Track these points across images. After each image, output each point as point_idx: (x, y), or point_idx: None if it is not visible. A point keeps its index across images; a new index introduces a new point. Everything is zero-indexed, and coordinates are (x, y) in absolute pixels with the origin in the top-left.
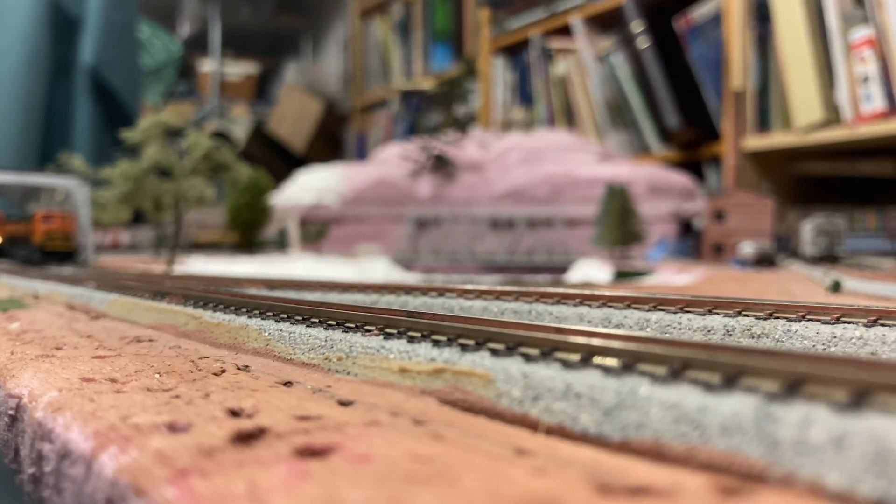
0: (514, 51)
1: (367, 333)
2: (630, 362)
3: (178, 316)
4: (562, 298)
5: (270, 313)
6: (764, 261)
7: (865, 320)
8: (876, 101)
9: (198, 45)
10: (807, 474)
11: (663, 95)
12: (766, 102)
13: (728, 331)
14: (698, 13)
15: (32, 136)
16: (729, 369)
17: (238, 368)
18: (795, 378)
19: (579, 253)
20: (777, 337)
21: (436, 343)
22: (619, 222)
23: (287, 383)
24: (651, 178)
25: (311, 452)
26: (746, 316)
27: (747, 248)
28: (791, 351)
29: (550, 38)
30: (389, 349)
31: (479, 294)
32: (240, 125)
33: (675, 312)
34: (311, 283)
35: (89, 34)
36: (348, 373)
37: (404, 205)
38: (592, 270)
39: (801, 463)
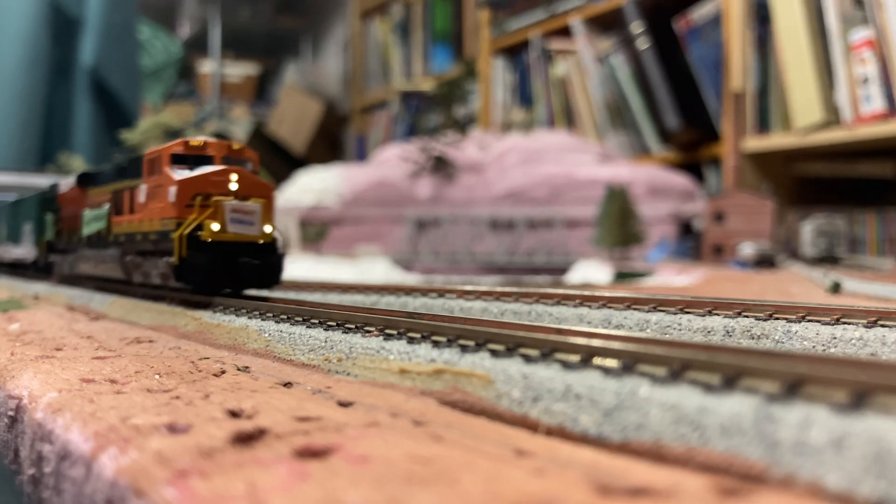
0: (514, 52)
1: (367, 334)
2: (630, 363)
3: (177, 317)
4: (562, 299)
5: (270, 314)
6: (764, 262)
7: (865, 321)
8: (875, 102)
9: (198, 46)
10: (806, 475)
11: (663, 96)
12: (766, 103)
13: (728, 332)
14: (698, 14)
15: (32, 136)
16: (729, 370)
17: (238, 369)
18: (795, 379)
19: (579, 254)
20: (777, 338)
21: (436, 344)
22: (619, 223)
23: (287, 384)
24: (651, 179)
25: (310, 453)
26: (746, 317)
27: (747, 249)
28: (791, 352)
29: (550, 39)
30: (389, 350)
31: (479, 295)
32: (240, 126)
33: (675, 313)
34: (311, 283)
35: (89, 35)
36: (348, 374)
37: (404, 206)
38: (592, 271)
39: (800, 464)
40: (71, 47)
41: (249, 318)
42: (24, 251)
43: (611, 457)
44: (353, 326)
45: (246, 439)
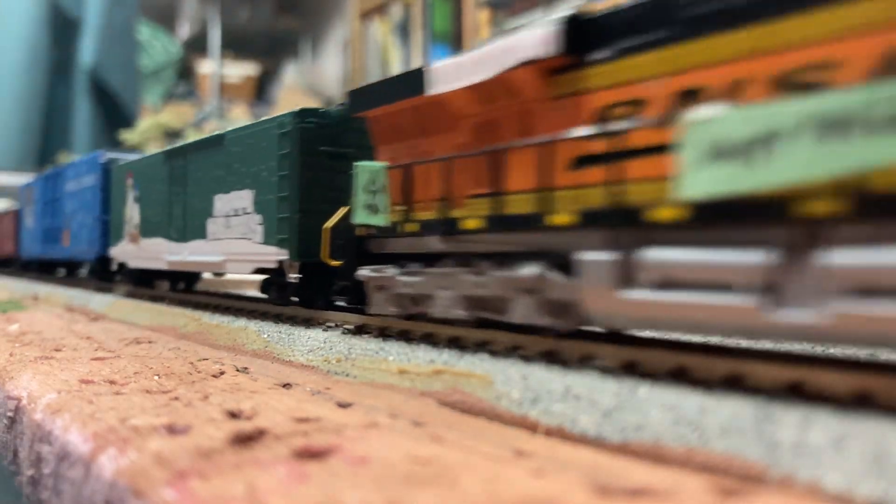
0: None
1: (367, 335)
2: (629, 364)
3: (177, 318)
4: None
5: (270, 315)
6: None
7: None
8: None
9: (197, 46)
10: (806, 476)
11: None
12: None
13: None
14: None
15: (32, 136)
16: (728, 371)
17: (237, 370)
18: (795, 380)
19: None
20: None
21: (435, 345)
22: None
23: (286, 385)
24: None
25: (309, 454)
26: None
27: None
28: (791, 352)
29: None
30: (389, 351)
31: None
32: None
33: None
34: None
35: (89, 36)
36: (347, 374)
37: None
38: None
39: (800, 464)
40: (71, 48)
41: (249, 318)
42: (227, 254)
43: (610, 457)
44: (352, 327)
45: (245, 440)
